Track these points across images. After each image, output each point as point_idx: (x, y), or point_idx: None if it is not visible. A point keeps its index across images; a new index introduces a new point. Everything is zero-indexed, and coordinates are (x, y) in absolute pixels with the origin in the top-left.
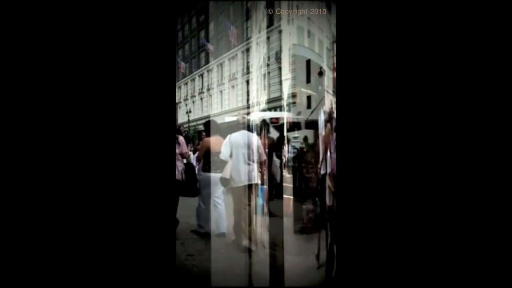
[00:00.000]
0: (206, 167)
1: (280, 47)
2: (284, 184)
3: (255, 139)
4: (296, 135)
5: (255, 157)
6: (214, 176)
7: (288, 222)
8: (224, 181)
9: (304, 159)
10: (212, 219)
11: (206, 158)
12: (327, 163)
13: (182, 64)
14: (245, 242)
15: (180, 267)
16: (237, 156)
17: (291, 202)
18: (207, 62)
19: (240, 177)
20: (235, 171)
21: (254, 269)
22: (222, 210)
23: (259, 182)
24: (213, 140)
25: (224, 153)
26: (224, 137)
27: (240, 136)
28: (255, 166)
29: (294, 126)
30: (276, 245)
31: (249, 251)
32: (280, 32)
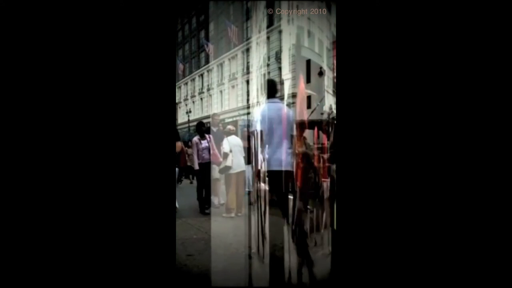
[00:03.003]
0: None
1: (280, 47)
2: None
3: (241, 141)
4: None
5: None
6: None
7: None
8: (226, 168)
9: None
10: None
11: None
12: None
13: (181, 65)
14: (233, 213)
15: (180, 267)
16: (234, 152)
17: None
18: (207, 62)
19: (234, 166)
20: (234, 161)
21: (254, 269)
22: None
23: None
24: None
25: (226, 148)
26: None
27: (233, 139)
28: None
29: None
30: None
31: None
32: (280, 32)
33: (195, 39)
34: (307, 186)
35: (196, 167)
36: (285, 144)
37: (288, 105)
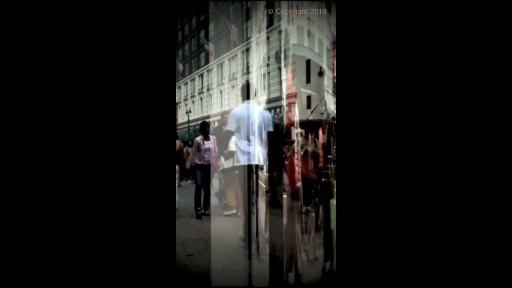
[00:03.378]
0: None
1: (280, 47)
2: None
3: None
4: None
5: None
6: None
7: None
8: (235, 168)
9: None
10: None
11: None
12: None
13: (181, 65)
14: (234, 209)
15: (180, 267)
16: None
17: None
18: (207, 62)
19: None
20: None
21: (254, 269)
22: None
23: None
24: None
25: (233, 147)
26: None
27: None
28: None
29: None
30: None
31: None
32: (280, 32)
33: (195, 39)
34: (309, 186)
35: (187, 166)
36: (258, 141)
37: (288, 105)
